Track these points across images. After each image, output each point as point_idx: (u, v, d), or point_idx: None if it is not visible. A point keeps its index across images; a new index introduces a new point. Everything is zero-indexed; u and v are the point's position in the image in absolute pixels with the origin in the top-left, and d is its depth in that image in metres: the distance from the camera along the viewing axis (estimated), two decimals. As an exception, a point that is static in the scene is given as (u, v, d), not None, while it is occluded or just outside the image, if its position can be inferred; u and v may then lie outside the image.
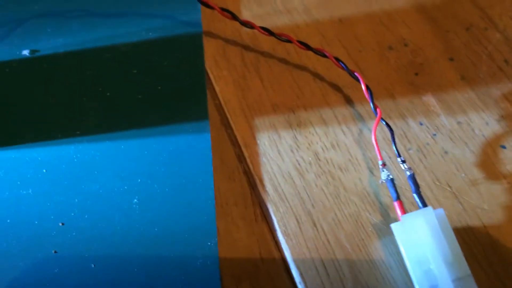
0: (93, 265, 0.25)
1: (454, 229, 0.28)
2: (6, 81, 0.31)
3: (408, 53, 0.34)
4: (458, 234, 0.28)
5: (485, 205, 0.28)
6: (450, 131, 0.31)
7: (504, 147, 0.31)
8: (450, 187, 0.29)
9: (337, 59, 0.31)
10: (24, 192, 0.27)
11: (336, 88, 0.33)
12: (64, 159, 0.28)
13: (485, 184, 0.29)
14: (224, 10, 0.32)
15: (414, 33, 0.35)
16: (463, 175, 0.29)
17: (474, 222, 0.28)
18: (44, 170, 0.28)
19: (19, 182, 0.27)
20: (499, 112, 0.32)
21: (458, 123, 0.31)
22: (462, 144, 0.31)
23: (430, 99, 0.32)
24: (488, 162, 0.30)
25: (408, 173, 0.28)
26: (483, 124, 0.31)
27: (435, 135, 0.31)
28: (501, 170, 0.30)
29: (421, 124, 0.31)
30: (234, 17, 0.32)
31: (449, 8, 0.37)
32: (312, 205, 0.28)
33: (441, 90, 0.33)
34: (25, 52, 0.32)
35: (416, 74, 0.34)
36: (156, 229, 0.26)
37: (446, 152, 0.30)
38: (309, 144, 0.30)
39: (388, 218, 0.28)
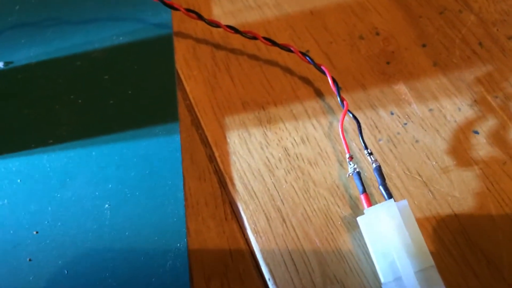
0: (66, 271, 0.26)
1: (423, 218, 0.28)
2: (-19, 94, 0.32)
3: (379, 42, 0.34)
4: (428, 222, 0.28)
5: (456, 193, 0.28)
6: (421, 119, 0.31)
7: (476, 132, 0.30)
8: (420, 176, 0.29)
9: (303, 54, 0.31)
10: (0, 202, 0.28)
11: (307, 81, 0.33)
12: (38, 168, 0.29)
13: (456, 171, 0.29)
14: (189, 10, 0.32)
15: (386, 21, 0.35)
16: (434, 163, 0.29)
17: (444, 210, 0.28)
18: (19, 180, 0.29)
19: (-5, 193, 0.28)
20: (472, 96, 0.32)
21: (430, 110, 0.31)
22: (433, 131, 0.30)
23: (401, 88, 0.32)
24: (459, 149, 0.30)
25: (374, 165, 0.28)
26: (455, 110, 0.31)
27: (406, 124, 0.31)
28: (473, 156, 0.29)
29: (392, 113, 0.31)
30: (199, 17, 0.32)
31: (422, -7, 0.36)
32: (282, 201, 0.29)
33: (412, 78, 0.33)
34: (0, 64, 0.33)
35: (388, 63, 0.33)
36: (127, 233, 0.27)
37: (417, 141, 0.30)
38: (279, 140, 0.31)
39: (357, 211, 0.28)
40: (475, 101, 0.31)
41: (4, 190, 0.28)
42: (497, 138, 0.30)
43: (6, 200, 0.28)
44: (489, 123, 0.31)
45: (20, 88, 0.32)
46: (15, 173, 0.29)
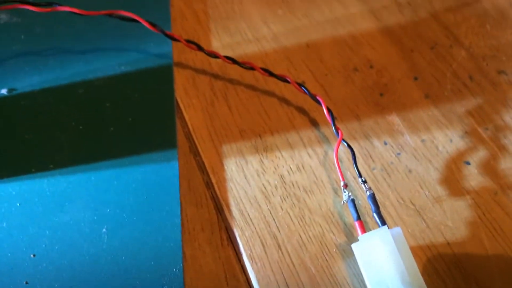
0: (62, 295, 0.26)
1: (417, 247, 0.28)
2: (-16, 120, 0.33)
3: (373, 74, 0.35)
4: (421, 251, 0.28)
5: (449, 222, 0.29)
6: (414, 149, 0.32)
7: (468, 163, 0.31)
8: (413, 205, 0.30)
9: (299, 84, 0.32)
10: (-1, 225, 0.28)
11: (302, 111, 0.34)
12: (37, 192, 0.29)
13: (448, 201, 0.30)
14: (189, 42, 0.33)
15: (379, 54, 0.36)
16: (426, 192, 0.30)
17: (437, 239, 0.28)
18: (18, 204, 0.29)
19: (-7, 217, 0.29)
20: (463, 128, 0.32)
21: (422, 141, 0.32)
22: (426, 162, 0.31)
23: (394, 119, 0.33)
24: (452, 179, 0.30)
25: (368, 193, 0.28)
26: (447, 141, 0.32)
27: (399, 154, 0.32)
28: (465, 186, 0.30)
29: (385, 143, 0.32)
30: (199, 48, 0.33)
31: (414, 29, 0.38)
32: (277, 228, 0.29)
33: (405, 109, 0.34)
34: (3, 91, 0.34)
35: (381, 94, 0.34)
36: (123, 258, 0.27)
37: (410, 171, 0.31)
38: (275, 168, 0.31)
39: (352, 238, 0.29)
40: (466, 132, 0.32)
41: (3, 213, 0.29)
42: (488, 168, 0.31)
43: (4, 223, 0.28)
44: (480, 154, 0.31)
45: (23, 114, 0.33)
46: (15, 196, 0.29)
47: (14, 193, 0.29)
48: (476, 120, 0.33)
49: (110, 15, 0.33)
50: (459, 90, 0.34)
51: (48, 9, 0.33)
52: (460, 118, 0.33)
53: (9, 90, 0.34)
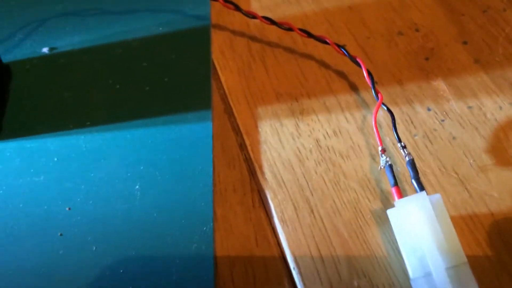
0: (94, 248, 0.26)
1: (458, 216, 0.27)
2: (26, 77, 0.33)
3: (419, 38, 0.34)
4: (462, 221, 0.27)
5: (494, 192, 0.27)
6: (460, 116, 0.30)
7: (518, 132, 0.29)
8: (456, 173, 0.28)
9: (339, 46, 0.31)
10: (36, 179, 0.29)
11: (341, 75, 0.33)
12: (74, 148, 0.30)
13: (495, 170, 0.28)
14: (227, 1, 0.32)
15: (426, 17, 0.34)
16: (471, 161, 0.28)
17: (480, 209, 0.27)
18: (55, 159, 0.30)
19: (32, 170, 0.29)
20: (515, 95, 0.30)
21: (469, 107, 0.30)
22: (472, 129, 0.29)
23: (440, 84, 0.31)
24: (499, 148, 0.29)
25: (407, 158, 0.27)
26: (496, 108, 0.30)
27: (443, 120, 0.30)
28: (514, 155, 0.28)
29: (429, 109, 0.30)
30: (237, 8, 0.32)
31: (466, -9, 0.36)
32: (311, 192, 0.28)
33: (452, 74, 0.32)
34: (45, 50, 0.34)
35: (427, 59, 0.33)
36: (155, 214, 0.27)
37: (454, 138, 0.29)
38: (310, 132, 0.30)
39: (388, 205, 0.27)
40: (518, 100, 0.30)
41: (41, 168, 0.29)
42: (540, 138, 0.29)
43: (42, 177, 0.29)
44: (532, 123, 0.29)
45: (62, 72, 0.33)
46: (52, 152, 0.30)
47: (52, 148, 0.30)
48: (529, 87, 0.31)
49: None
50: (512, 55, 0.32)
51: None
52: (511, 84, 0.31)
53: (50, 49, 0.34)
